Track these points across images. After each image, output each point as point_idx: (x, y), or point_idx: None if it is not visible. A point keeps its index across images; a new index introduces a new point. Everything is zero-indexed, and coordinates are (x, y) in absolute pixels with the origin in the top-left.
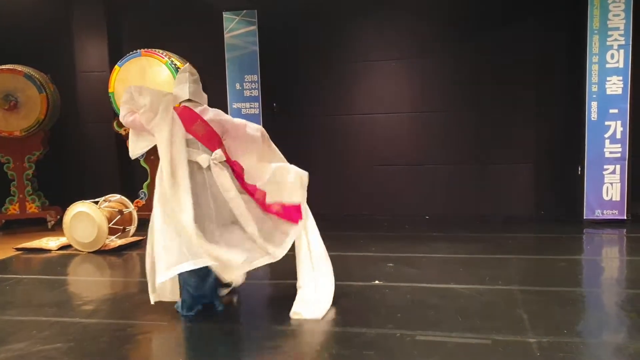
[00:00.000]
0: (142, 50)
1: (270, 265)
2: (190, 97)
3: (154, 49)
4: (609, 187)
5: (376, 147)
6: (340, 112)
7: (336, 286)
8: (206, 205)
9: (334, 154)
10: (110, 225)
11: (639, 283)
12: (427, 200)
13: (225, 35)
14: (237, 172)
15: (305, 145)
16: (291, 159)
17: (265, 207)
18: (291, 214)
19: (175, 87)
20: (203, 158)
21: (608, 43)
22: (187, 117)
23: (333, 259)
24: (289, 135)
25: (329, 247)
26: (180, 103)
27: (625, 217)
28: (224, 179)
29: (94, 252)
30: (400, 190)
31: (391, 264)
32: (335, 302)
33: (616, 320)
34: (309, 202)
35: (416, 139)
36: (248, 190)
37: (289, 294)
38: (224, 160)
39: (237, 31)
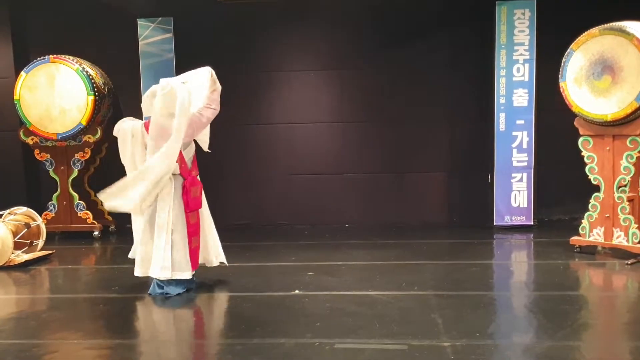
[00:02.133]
0: (50, 56)
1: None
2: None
3: (63, 55)
4: (516, 195)
5: (295, 156)
6: (258, 121)
7: (256, 297)
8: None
9: (252, 163)
10: (15, 239)
11: (546, 286)
12: (346, 208)
13: (140, 43)
14: (185, 188)
15: (223, 155)
16: (209, 169)
17: (190, 231)
18: (196, 259)
19: (153, 101)
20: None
21: (514, 57)
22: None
23: (253, 270)
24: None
25: (248, 258)
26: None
27: (532, 223)
28: (167, 190)
29: None
30: (320, 199)
31: (311, 273)
32: (255, 313)
33: (525, 322)
34: (228, 212)
35: (334, 149)
36: (188, 205)
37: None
38: (178, 173)
39: (152, 38)
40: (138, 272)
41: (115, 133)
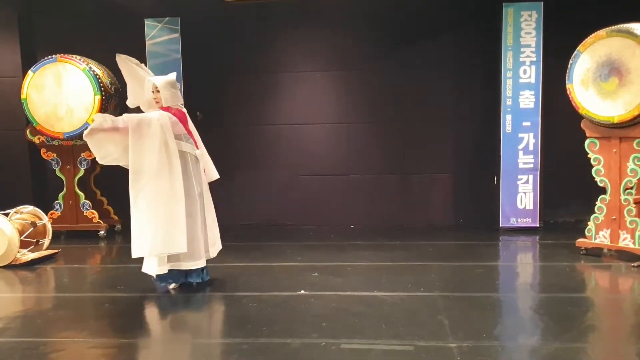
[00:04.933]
0: (58, 55)
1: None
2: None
3: (70, 55)
4: (522, 197)
5: (301, 157)
6: (265, 122)
7: (262, 297)
8: (192, 191)
9: (259, 163)
10: (21, 238)
11: (552, 288)
12: (352, 209)
13: (147, 43)
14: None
15: (230, 155)
16: (216, 168)
17: None
18: None
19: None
20: (198, 153)
21: (521, 59)
22: (184, 118)
23: (259, 270)
24: (213, 145)
25: (255, 258)
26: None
27: (537, 225)
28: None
29: (4, 267)
30: (326, 200)
31: (317, 273)
32: (261, 313)
33: (531, 323)
34: (235, 212)
35: (340, 150)
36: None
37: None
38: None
39: (159, 38)
40: (191, 265)
41: (130, 124)
